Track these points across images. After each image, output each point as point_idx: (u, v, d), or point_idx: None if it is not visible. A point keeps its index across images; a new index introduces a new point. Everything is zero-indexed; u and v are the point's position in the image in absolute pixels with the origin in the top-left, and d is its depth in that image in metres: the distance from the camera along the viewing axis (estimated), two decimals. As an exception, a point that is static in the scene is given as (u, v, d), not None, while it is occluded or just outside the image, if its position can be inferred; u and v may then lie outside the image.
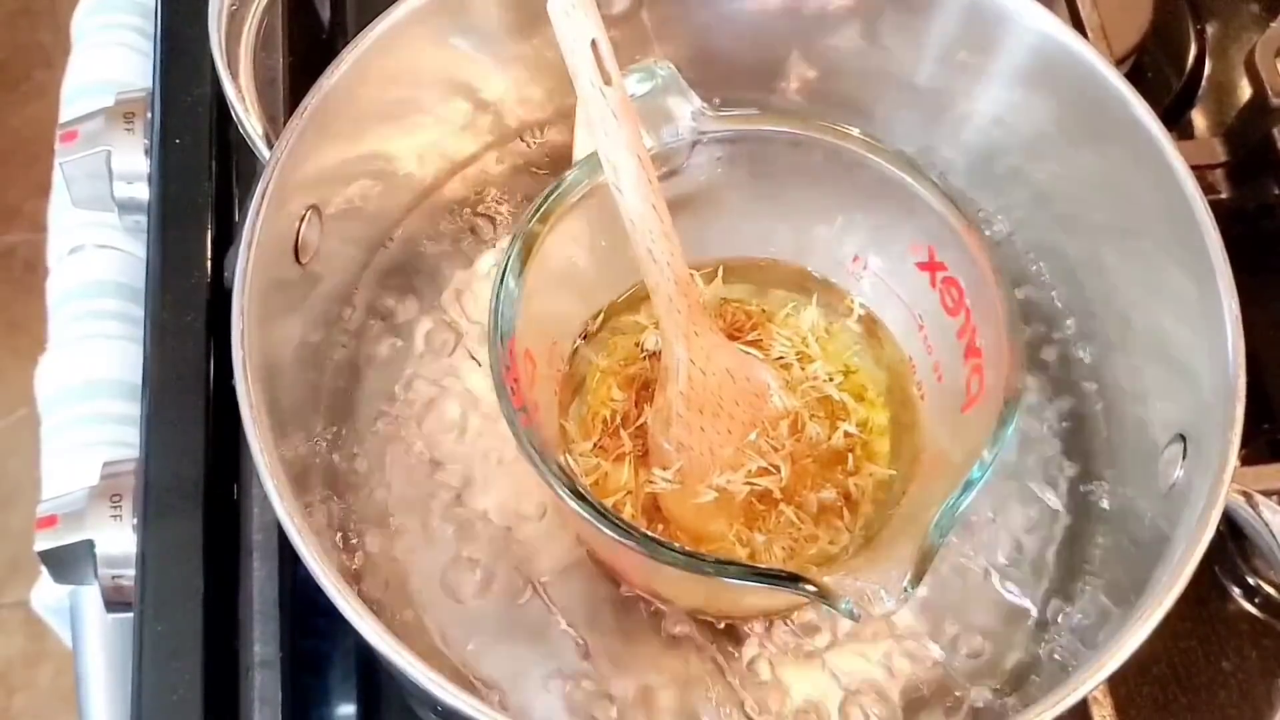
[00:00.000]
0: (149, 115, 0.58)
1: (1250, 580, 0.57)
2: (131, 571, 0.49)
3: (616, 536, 0.41)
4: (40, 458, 0.57)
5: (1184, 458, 0.46)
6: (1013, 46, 0.52)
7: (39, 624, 0.60)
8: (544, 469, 0.42)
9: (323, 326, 0.52)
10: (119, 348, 0.58)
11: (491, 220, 0.56)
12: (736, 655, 0.48)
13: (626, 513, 0.48)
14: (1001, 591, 0.50)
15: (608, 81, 0.44)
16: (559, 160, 0.56)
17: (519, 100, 0.56)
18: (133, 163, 0.58)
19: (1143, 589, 0.43)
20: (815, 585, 0.40)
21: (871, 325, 0.52)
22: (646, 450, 0.49)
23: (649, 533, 0.43)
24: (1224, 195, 0.62)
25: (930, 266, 0.49)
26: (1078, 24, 0.62)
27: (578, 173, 0.47)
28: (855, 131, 0.48)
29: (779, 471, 0.48)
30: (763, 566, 0.46)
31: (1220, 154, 0.63)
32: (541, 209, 0.47)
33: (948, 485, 0.42)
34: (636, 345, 0.51)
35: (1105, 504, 0.51)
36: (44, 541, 0.51)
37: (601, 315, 0.52)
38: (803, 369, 0.51)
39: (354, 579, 0.48)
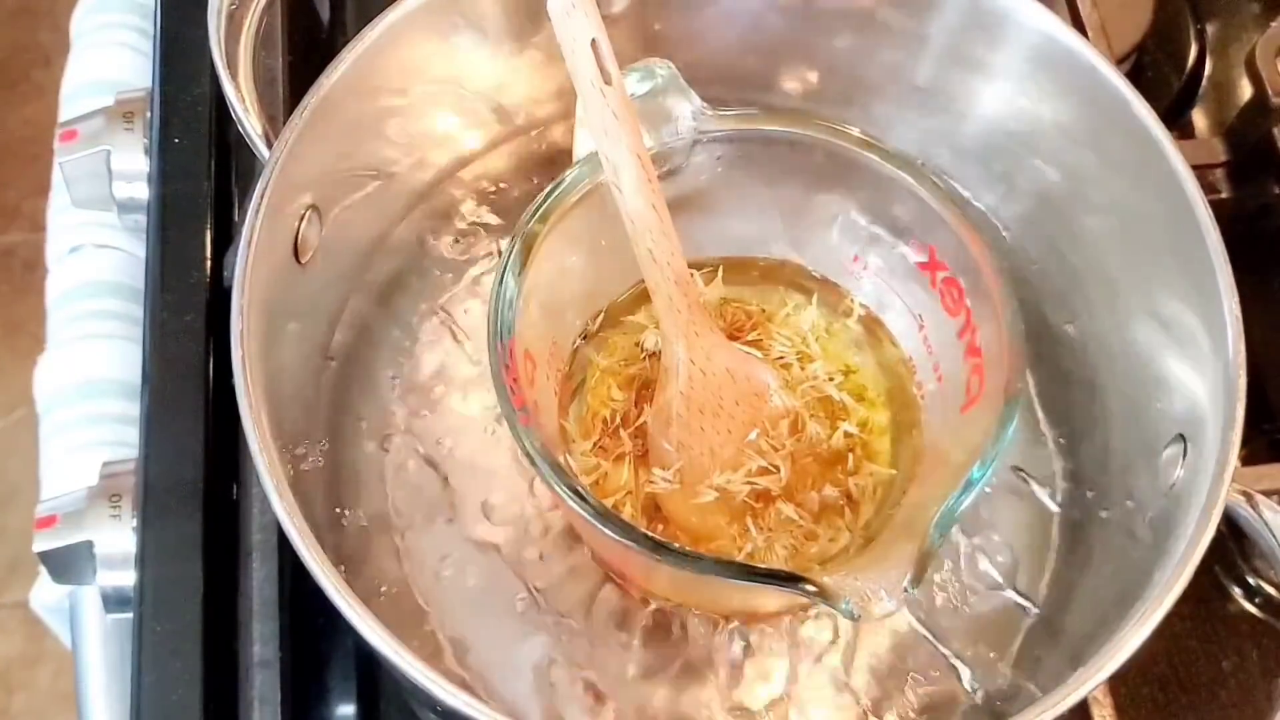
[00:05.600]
0: (149, 115, 0.58)
1: (1251, 580, 0.57)
2: (131, 572, 0.49)
3: (616, 536, 0.41)
4: (39, 458, 0.57)
5: (1184, 457, 0.46)
6: (1013, 46, 0.52)
7: (38, 624, 0.60)
8: (544, 469, 0.42)
9: (323, 326, 0.52)
10: (118, 348, 0.58)
11: (491, 220, 0.56)
12: (735, 654, 0.48)
13: (626, 513, 0.48)
14: (1000, 591, 0.50)
15: (608, 81, 0.44)
16: (559, 160, 0.56)
17: (518, 99, 0.56)
18: (132, 162, 0.58)
19: (1143, 589, 0.43)
20: (815, 585, 0.40)
21: (871, 325, 0.52)
22: (646, 450, 0.49)
23: (649, 533, 0.43)
24: (1224, 195, 0.62)
25: (930, 266, 0.49)
26: (1078, 23, 0.62)
27: (578, 172, 0.47)
28: (855, 131, 0.48)
29: (779, 471, 0.48)
30: (762, 567, 0.46)
31: (1221, 153, 0.63)
32: (541, 209, 0.47)
33: (948, 485, 0.42)
34: (636, 345, 0.51)
35: (1105, 504, 0.51)
36: (43, 542, 0.51)
37: (601, 315, 0.51)
38: (803, 369, 0.51)
39: (353, 579, 0.48)
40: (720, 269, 0.52)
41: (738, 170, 0.50)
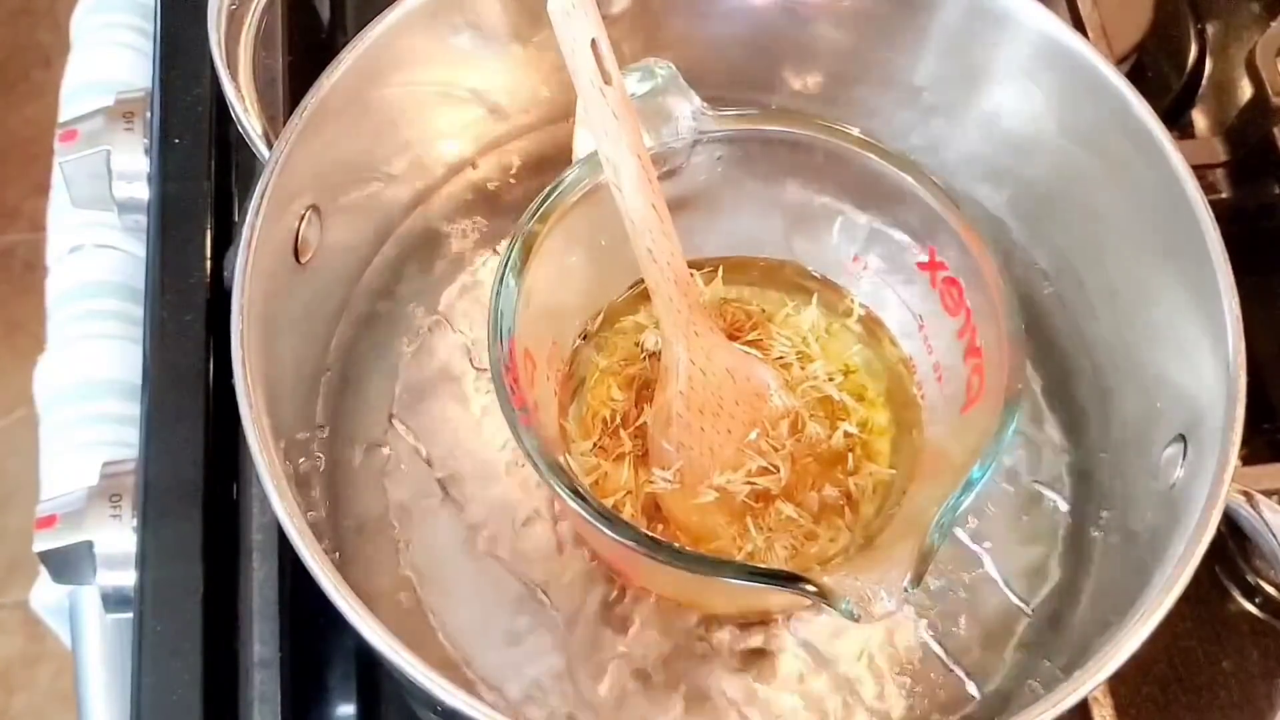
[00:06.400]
0: (149, 115, 0.58)
1: (1251, 580, 0.57)
2: (131, 572, 0.49)
3: (616, 536, 0.41)
4: (39, 458, 0.57)
5: (1184, 458, 0.46)
6: (1013, 46, 0.52)
7: (38, 624, 0.60)
8: (544, 469, 0.42)
9: (323, 326, 0.52)
10: (118, 348, 0.58)
11: (491, 220, 0.56)
12: (735, 654, 0.48)
13: (626, 513, 0.48)
14: (1001, 591, 0.50)
15: (608, 81, 0.44)
16: (559, 160, 0.56)
17: (518, 99, 0.56)
18: (132, 162, 0.58)
19: (1143, 588, 0.43)
20: (815, 585, 0.40)
21: (871, 325, 0.52)
22: (646, 450, 0.49)
23: (649, 533, 0.43)
24: (1224, 195, 0.62)
25: (930, 266, 0.49)
26: (1078, 23, 0.62)
27: (578, 172, 0.47)
28: (855, 131, 0.48)
29: (779, 471, 0.48)
30: (762, 567, 0.46)
31: (1221, 153, 0.63)
32: (541, 209, 0.47)
33: (948, 485, 0.42)
34: (636, 345, 0.51)
35: (1105, 504, 0.51)
36: (43, 542, 0.51)
37: (601, 315, 0.52)
38: (803, 369, 0.51)
39: (353, 579, 0.48)
40: (720, 269, 0.52)
41: (738, 170, 0.50)
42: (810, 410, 0.49)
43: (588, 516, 0.41)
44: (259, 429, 0.42)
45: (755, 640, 0.48)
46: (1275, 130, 0.60)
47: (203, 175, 0.56)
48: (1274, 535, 0.44)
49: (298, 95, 0.48)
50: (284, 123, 0.47)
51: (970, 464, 0.42)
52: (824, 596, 0.40)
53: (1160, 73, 0.68)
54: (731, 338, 0.50)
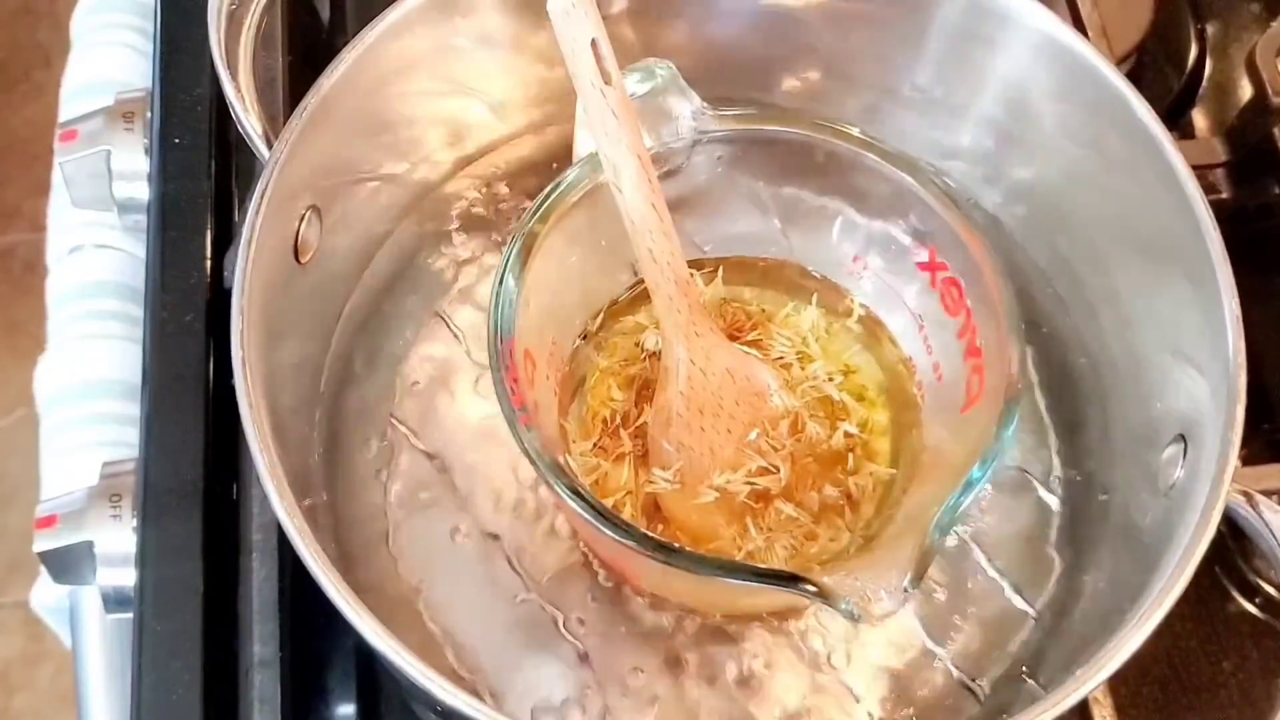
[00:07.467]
0: (149, 115, 0.58)
1: (1251, 580, 0.57)
2: (131, 572, 0.49)
3: (616, 536, 0.41)
4: (40, 458, 0.57)
5: (1184, 458, 0.46)
6: (1013, 46, 0.52)
7: (39, 624, 0.60)
8: (544, 469, 0.42)
9: (322, 326, 0.52)
10: (118, 348, 0.58)
11: (491, 220, 0.56)
12: (735, 655, 0.48)
13: (626, 513, 0.48)
14: (1001, 591, 0.50)
15: (608, 81, 0.44)
16: (559, 160, 0.56)
17: (519, 99, 0.56)
18: (132, 162, 0.58)
19: (1143, 589, 0.43)
20: (815, 585, 0.40)
21: (871, 325, 0.52)
22: (646, 450, 0.49)
23: (649, 533, 0.43)
24: (1224, 195, 0.62)
25: (930, 266, 0.49)
26: (1078, 23, 0.62)
27: (578, 172, 0.47)
28: (855, 131, 0.48)
29: (779, 471, 0.48)
30: (763, 567, 0.46)
31: (1221, 154, 0.63)
32: (541, 209, 0.47)
33: (948, 485, 0.42)
34: (636, 345, 0.51)
35: (1105, 504, 0.51)
36: (43, 542, 0.51)
37: (601, 315, 0.52)
38: (803, 369, 0.51)
39: (353, 578, 0.48)
40: (720, 269, 0.52)
41: (738, 170, 0.50)
42: (810, 410, 0.49)
43: (588, 516, 0.41)
44: (259, 429, 0.42)
45: (753, 640, 0.48)
46: (1275, 130, 0.60)
47: (203, 175, 0.56)
48: (1274, 535, 0.44)
49: (298, 95, 0.48)
50: (284, 123, 0.47)
51: (970, 464, 0.42)
52: (824, 596, 0.40)
53: (1160, 73, 0.68)
54: (731, 338, 0.50)
